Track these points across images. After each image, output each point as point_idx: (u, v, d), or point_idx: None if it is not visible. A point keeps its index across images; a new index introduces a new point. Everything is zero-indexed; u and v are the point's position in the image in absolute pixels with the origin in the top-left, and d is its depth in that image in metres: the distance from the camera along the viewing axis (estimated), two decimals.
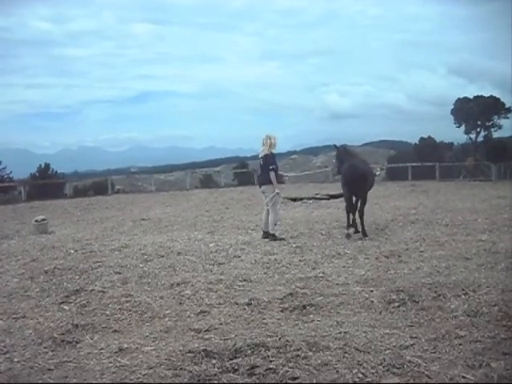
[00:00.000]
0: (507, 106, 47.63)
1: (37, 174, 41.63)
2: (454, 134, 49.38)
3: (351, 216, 11.54)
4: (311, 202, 18.37)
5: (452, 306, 5.80)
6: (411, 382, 4.03)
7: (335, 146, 12.62)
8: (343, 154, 12.30)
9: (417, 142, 48.55)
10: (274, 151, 11.56)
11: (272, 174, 11.36)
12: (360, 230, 11.19)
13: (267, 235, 11.17)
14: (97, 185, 38.22)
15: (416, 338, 4.94)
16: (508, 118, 47.64)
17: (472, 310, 5.56)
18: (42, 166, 42.58)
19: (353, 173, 11.42)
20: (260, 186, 11.79)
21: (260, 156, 11.64)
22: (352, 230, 11.34)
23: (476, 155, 38.95)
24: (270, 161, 11.42)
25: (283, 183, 11.93)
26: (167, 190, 34.47)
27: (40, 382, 4.32)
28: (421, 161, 35.84)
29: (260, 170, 11.85)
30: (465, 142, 48.56)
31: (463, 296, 6.13)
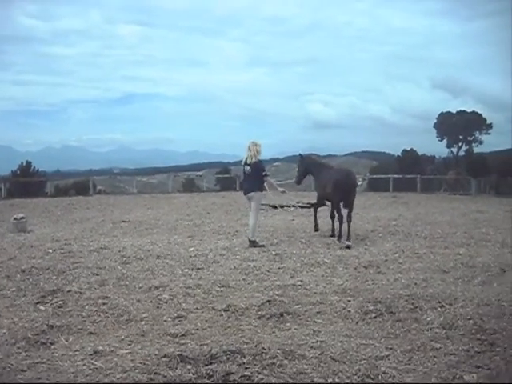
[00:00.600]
0: (489, 121, 48.27)
1: (18, 172, 41.22)
2: (436, 147, 49.93)
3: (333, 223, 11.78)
4: (292, 209, 18.37)
5: (428, 319, 5.83)
6: None
7: (300, 155, 13.19)
8: (311, 162, 12.97)
9: (399, 154, 48.94)
10: (259, 158, 11.58)
11: (268, 180, 11.66)
12: (339, 235, 11.65)
13: (253, 244, 11.02)
14: (78, 185, 37.98)
15: (391, 349, 4.96)
16: (489, 133, 48.31)
17: (447, 323, 5.60)
18: (24, 163, 42.19)
19: (346, 179, 11.85)
20: (246, 193, 11.52)
21: (247, 162, 11.42)
22: (342, 238, 11.52)
23: (457, 169, 39.36)
24: (260, 167, 11.47)
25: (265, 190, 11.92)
26: (149, 193, 34.35)
27: (12, 382, 4.26)
28: (403, 173, 36.12)
29: (246, 176, 11.61)
30: (446, 155, 49.11)
31: (439, 309, 6.17)
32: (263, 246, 10.94)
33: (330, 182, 11.84)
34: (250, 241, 11.11)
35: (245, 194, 11.66)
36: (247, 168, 11.45)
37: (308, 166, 13.06)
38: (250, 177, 11.48)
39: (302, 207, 17.22)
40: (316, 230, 12.80)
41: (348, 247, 10.72)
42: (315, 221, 12.95)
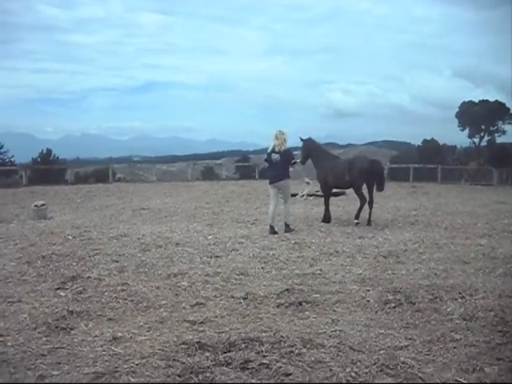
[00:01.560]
0: None
1: (38, 159, 41.63)
2: (457, 137, 49.40)
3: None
4: (311, 198, 18.31)
5: (448, 309, 5.78)
6: (404, 383, 4.02)
7: (301, 138, 13.52)
8: (315, 147, 13.44)
9: (420, 144, 48.55)
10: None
11: (296, 168, 11.95)
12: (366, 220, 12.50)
13: (274, 230, 11.23)
14: (98, 172, 38.26)
15: (411, 339, 4.92)
16: None
17: (468, 314, 5.54)
18: (44, 151, 42.57)
19: (373, 164, 12.99)
20: (275, 181, 11.64)
21: (275, 151, 11.58)
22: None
23: (479, 159, 38.93)
24: (290, 155, 11.81)
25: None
26: (168, 181, 34.45)
27: (33, 366, 4.30)
28: (423, 162, 35.86)
29: (274, 164, 11.69)
30: (468, 145, 48.58)
31: (460, 300, 6.10)
32: (294, 230, 11.43)
33: (357, 167, 12.59)
34: (286, 225, 11.51)
35: (273, 182, 11.69)
36: (275, 156, 11.56)
37: (309, 151, 13.40)
38: (278, 165, 11.59)
39: (321, 196, 17.16)
40: (326, 221, 12.91)
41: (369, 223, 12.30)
42: (326, 210, 13.14)
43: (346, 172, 12.65)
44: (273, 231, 11.18)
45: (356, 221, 12.54)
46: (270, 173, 12.03)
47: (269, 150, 11.74)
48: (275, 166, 11.68)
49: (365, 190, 12.78)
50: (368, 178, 12.71)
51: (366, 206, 12.58)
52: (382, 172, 13.43)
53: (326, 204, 13.18)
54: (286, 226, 11.49)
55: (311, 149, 13.37)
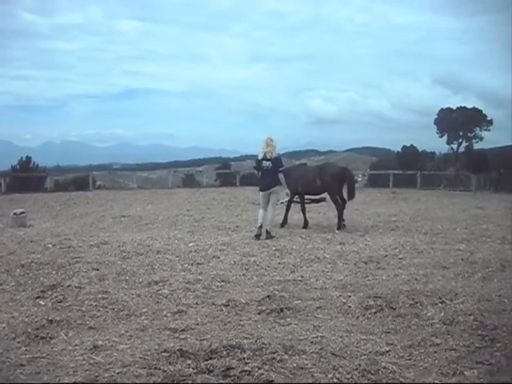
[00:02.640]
0: (489, 118, 48.17)
1: (18, 167, 41.17)
2: (436, 143, 49.82)
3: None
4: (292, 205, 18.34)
5: (428, 314, 5.82)
6: None
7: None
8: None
9: (399, 150, 48.87)
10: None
11: (281, 175, 11.86)
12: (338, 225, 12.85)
13: (260, 232, 11.41)
14: (78, 180, 37.97)
15: (392, 344, 4.95)
16: (489, 130, 48.20)
17: (448, 319, 5.58)
18: (24, 158, 42.14)
19: (344, 170, 13.43)
20: (267, 189, 11.74)
21: (267, 158, 11.70)
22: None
23: (457, 165, 39.31)
24: (280, 163, 11.96)
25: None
26: (149, 188, 34.39)
27: (11, 377, 4.25)
28: (403, 169, 36.09)
29: (265, 171, 11.78)
30: (446, 151, 49.00)
31: (440, 304, 6.16)
32: (274, 236, 11.42)
33: (331, 176, 12.89)
34: (267, 232, 11.48)
35: (264, 189, 11.77)
36: (267, 163, 11.69)
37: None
38: (270, 172, 11.71)
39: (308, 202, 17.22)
40: (305, 227, 13.21)
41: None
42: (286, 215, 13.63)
43: (317, 178, 13.02)
44: (258, 237, 11.25)
45: (337, 231, 12.48)
46: (261, 180, 12.00)
47: (260, 157, 11.82)
48: (267, 173, 11.77)
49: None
50: (340, 184, 13.07)
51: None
52: (352, 179, 13.95)
53: (303, 210, 13.56)
54: (268, 232, 11.52)
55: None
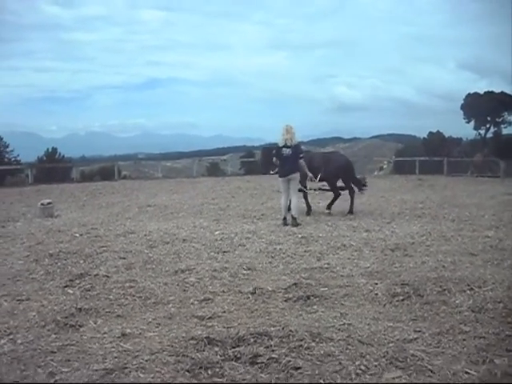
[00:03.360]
0: None
1: (44, 158, 41.74)
2: (463, 129, 49.23)
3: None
4: (317, 192, 18.30)
5: (457, 302, 5.76)
6: (414, 375, 4.01)
7: (264, 147, 14.66)
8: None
9: (425, 137, 48.40)
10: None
11: (302, 162, 11.98)
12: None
13: (286, 222, 11.56)
14: (103, 170, 38.34)
15: (420, 331, 4.91)
16: None
17: (477, 306, 5.52)
18: (50, 149, 42.69)
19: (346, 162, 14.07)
20: (287, 175, 11.85)
21: (287, 145, 11.78)
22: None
23: (484, 151, 38.77)
24: (300, 150, 12.13)
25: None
26: (174, 177, 34.51)
27: (42, 364, 4.32)
28: (429, 155, 35.77)
29: (285, 158, 11.84)
30: (474, 137, 48.37)
31: (468, 291, 6.08)
32: (300, 224, 11.52)
33: (333, 166, 13.43)
34: (293, 218, 11.59)
35: (284, 175, 11.88)
36: (287, 150, 11.77)
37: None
38: (290, 159, 11.78)
39: (327, 190, 17.15)
40: (309, 213, 13.50)
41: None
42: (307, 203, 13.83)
43: (322, 166, 13.29)
44: (285, 223, 11.50)
45: (328, 211, 13.52)
46: (281, 167, 12.04)
47: (280, 145, 11.86)
48: (287, 160, 11.81)
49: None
50: (345, 174, 13.78)
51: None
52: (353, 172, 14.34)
53: (305, 197, 13.81)
54: (293, 219, 11.58)
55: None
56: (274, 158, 12.07)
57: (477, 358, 4.28)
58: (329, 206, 13.62)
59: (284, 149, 11.78)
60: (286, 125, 11.96)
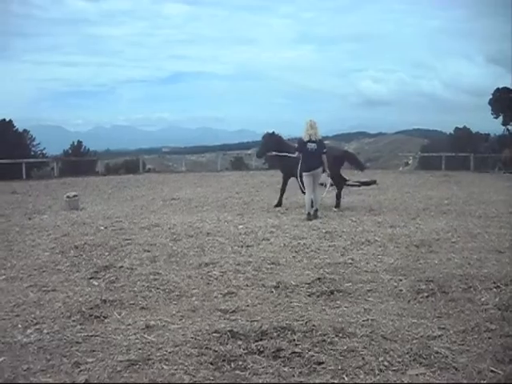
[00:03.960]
0: None
1: (69, 151, 42.20)
2: (490, 124, 48.48)
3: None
4: (331, 188, 18.22)
5: (482, 299, 5.69)
6: (438, 373, 3.98)
7: (268, 133, 14.11)
8: (279, 140, 14.01)
9: (452, 132, 47.84)
10: None
11: (324, 157, 12.01)
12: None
13: (310, 217, 11.59)
14: (128, 163, 38.63)
15: (444, 329, 4.86)
16: None
17: (503, 304, 5.44)
18: (75, 143, 43.14)
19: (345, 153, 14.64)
20: (312, 170, 11.92)
21: (312, 140, 11.86)
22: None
23: None
24: (324, 145, 12.22)
25: None
26: (198, 171, 34.65)
27: (68, 353, 4.37)
28: (455, 151, 35.34)
29: (310, 153, 11.93)
30: (502, 133, 47.64)
31: (494, 289, 6.00)
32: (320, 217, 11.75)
33: (334, 158, 12.96)
34: (315, 211, 11.84)
35: (310, 170, 11.93)
36: (312, 145, 11.86)
37: (275, 144, 13.85)
38: (315, 154, 11.89)
39: (351, 185, 17.06)
40: (278, 205, 13.76)
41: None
42: (281, 196, 14.04)
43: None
44: (309, 218, 11.53)
45: (335, 209, 13.13)
46: (306, 162, 12.04)
47: (305, 140, 11.91)
48: (312, 155, 11.89)
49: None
50: (339, 166, 13.78)
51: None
52: (355, 157, 15.00)
53: (283, 190, 13.97)
54: (316, 211, 11.83)
55: (276, 142, 13.87)
56: (297, 152, 12.06)
57: (503, 356, 4.22)
58: (337, 203, 13.47)
59: (309, 144, 11.82)
60: (309, 120, 12.01)
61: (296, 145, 12.52)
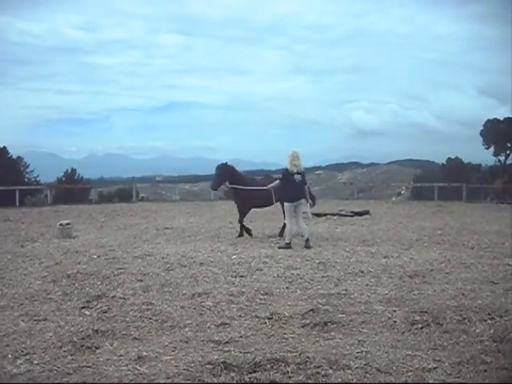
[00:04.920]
0: None
1: (63, 179, 42.11)
2: (482, 155, 48.82)
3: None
4: (335, 218, 18.27)
5: (477, 331, 5.66)
6: None
7: (222, 164, 14.12)
8: (233, 172, 14.14)
9: (444, 162, 48.10)
10: None
11: (307, 188, 12.38)
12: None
13: (309, 245, 11.76)
14: (122, 192, 38.59)
15: (439, 361, 4.83)
16: None
17: (498, 336, 5.42)
18: (69, 170, 43.08)
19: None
20: (296, 200, 12.11)
21: (295, 171, 12.14)
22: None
23: (504, 177, 38.39)
24: (304, 175, 12.50)
25: None
26: (191, 200, 34.62)
27: None
28: (447, 181, 35.52)
29: (295, 184, 12.16)
30: (493, 164, 47.94)
31: (489, 320, 5.99)
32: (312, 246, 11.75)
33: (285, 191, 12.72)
34: (306, 241, 11.91)
35: (294, 200, 12.12)
36: (298, 176, 12.15)
37: (229, 176, 14.03)
38: (300, 185, 12.20)
39: (344, 215, 17.12)
40: (240, 235, 13.90)
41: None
42: (241, 228, 14.14)
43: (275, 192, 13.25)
44: (289, 246, 11.72)
45: (280, 238, 13.26)
46: (290, 192, 12.27)
47: (293, 171, 12.17)
48: (296, 186, 12.16)
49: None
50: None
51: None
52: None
53: (241, 221, 14.12)
54: (307, 241, 11.89)
55: (231, 174, 14.03)
56: (278, 181, 12.55)
57: None
58: (281, 233, 13.58)
59: (296, 175, 12.12)
60: (293, 151, 12.32)
61: (260, 177, 12.81)
